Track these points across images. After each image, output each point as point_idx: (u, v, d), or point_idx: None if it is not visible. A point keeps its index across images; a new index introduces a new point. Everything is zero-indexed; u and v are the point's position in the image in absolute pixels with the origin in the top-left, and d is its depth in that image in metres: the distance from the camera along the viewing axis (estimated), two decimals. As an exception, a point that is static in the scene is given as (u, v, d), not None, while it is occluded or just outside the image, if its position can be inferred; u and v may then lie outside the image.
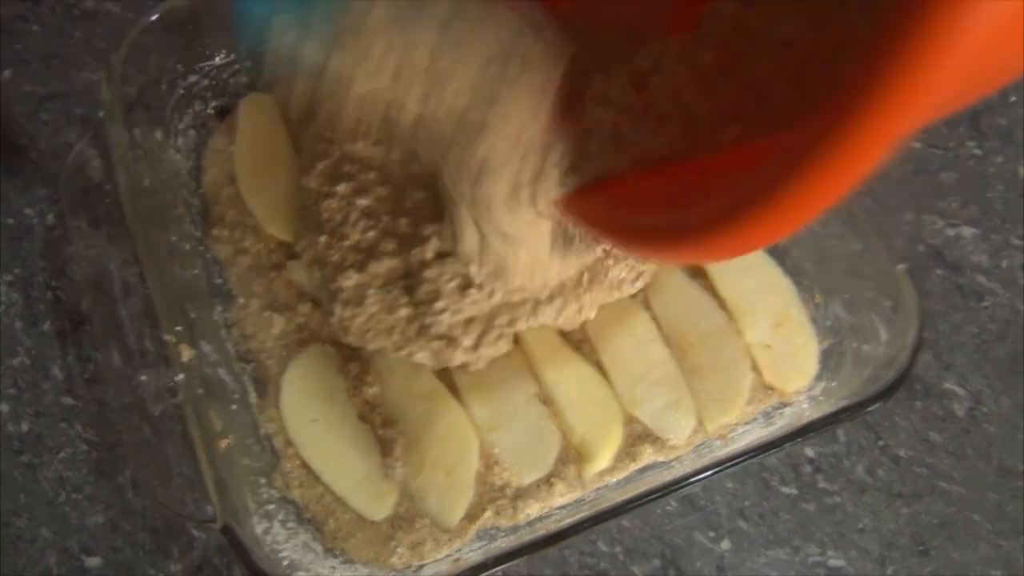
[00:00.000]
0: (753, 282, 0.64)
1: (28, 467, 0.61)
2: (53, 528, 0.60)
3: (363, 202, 0.59)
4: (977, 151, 0.73)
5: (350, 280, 0.58)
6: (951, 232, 0.71)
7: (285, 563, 0.52)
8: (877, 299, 0.58)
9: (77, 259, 0.58)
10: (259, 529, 0.53)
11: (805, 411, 0.59)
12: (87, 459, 0.62)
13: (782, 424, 0.59)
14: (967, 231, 0.71)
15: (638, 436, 0.60)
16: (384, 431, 0.58)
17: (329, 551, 0.56)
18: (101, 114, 0.58)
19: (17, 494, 0.60)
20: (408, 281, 0.58)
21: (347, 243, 0.59)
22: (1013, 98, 0.75)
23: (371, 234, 0.59)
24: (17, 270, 0.66)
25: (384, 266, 0.58)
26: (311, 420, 0.58)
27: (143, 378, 0.54)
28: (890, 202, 0.58)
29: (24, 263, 0.66)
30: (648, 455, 0.59)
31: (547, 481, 0.58)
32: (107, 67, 0.58)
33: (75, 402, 0.63)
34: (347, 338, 0.59)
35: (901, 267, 0.56)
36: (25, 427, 0.62)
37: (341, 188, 0.59)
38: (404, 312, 0.58)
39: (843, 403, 0.55)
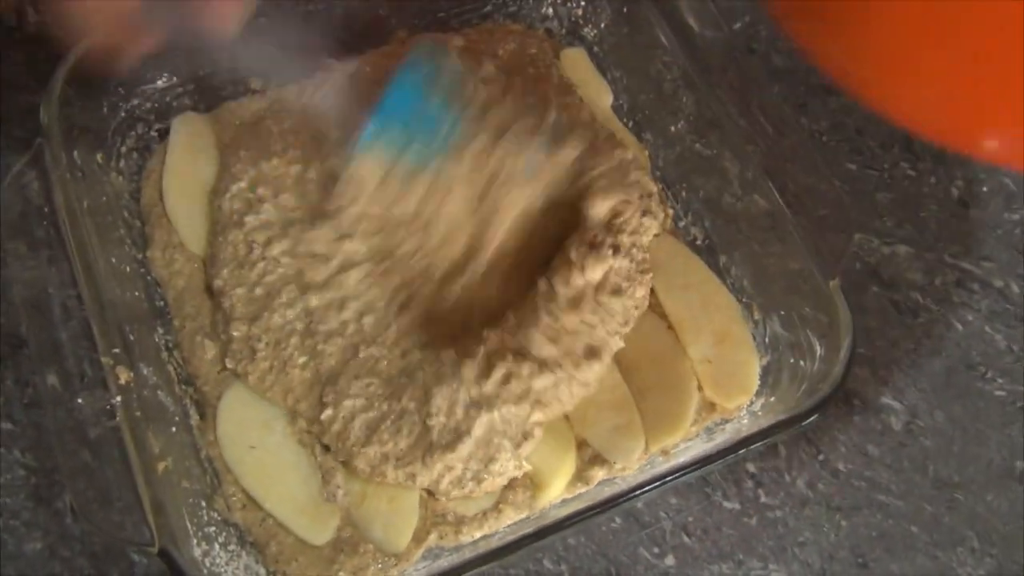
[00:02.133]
0: (697, 298, 0.65)
1: (-37, 494, 0.60)
2: (-12, 556, 0.59)
3: (264, 238, 0.58)
4: (911, 172, 0.76)
5: (239, 331, 0.57)
6: (887, 250, 0.73)
7: (224, 586, 0.52)
8: (813, 316, 0.59)
9: (15, 282, 0.57)
10: (198, 552, 0.52)
11: (745, 427, 0.60)
12: (25, 484, 0.61)
13: (722, 440, 0.59)
14: (902, 249, 0.73)
15: (589, 460, 0.60)
16: (324, 458, 0.57)
17: (271, 574, 0.56)
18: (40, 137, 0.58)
19: (-49, 522, 0.59)
20: (309, 340, 0.57)
21: (240, 290, 0.58)
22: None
23: (269, 278, 0.58)
24: (-46, 294, 0.65)
25: (276, 320, 0.57)
26: (249, 448, 0.57)
27: (80, 401, 0.53)
28: (827, 222, 0.60)
29: (-39, 287, 0.65)
30: (599, 477, 0.59)
31: (495, 508, 0.58)
32: (47, 89, 0.58)
33: (13, 427, 0.62)
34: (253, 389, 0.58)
35: (833, 283, 0.57)
36: (-39, 453, 0.61)
37: (250, 220, 0.59)
38: (299, 374, 0.57)
39: (781, 418, 0.56)
